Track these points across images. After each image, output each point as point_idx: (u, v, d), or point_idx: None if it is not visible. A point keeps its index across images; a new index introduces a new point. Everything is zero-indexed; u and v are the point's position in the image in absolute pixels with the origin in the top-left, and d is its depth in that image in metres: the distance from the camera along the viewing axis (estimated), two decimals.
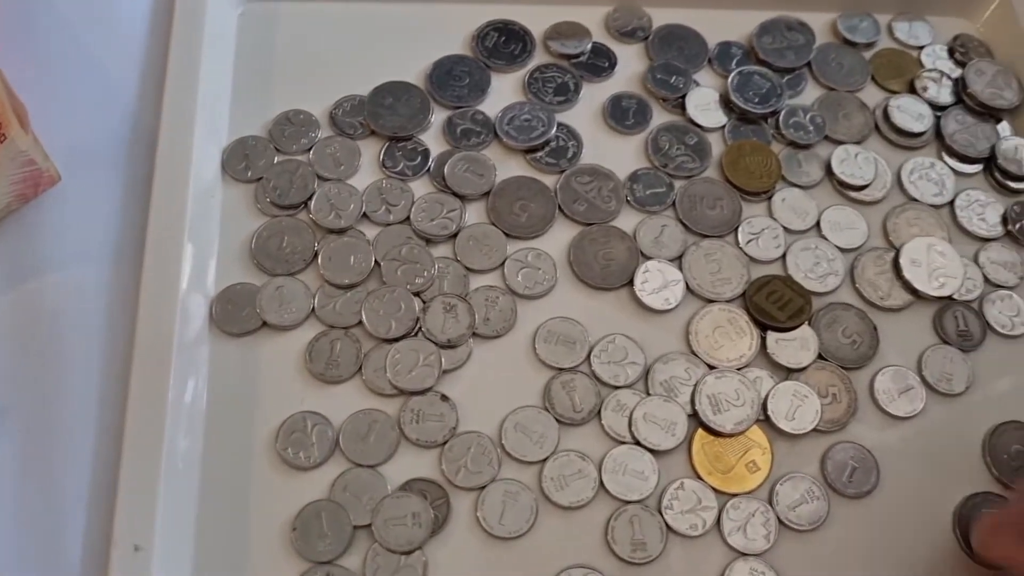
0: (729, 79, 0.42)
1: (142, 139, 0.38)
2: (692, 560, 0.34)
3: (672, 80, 0.42)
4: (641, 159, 0.41)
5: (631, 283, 0.38)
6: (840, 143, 0.42)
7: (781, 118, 0.42)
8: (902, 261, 0.39)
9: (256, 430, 0.34)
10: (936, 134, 0.43)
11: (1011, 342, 0.38)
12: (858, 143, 0.42)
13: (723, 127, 0.42)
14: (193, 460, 0.33)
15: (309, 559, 0.32)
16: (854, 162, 0.41)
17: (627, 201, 0.39)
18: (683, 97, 0.42)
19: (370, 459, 0.34)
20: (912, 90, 0.44)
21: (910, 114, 0.43)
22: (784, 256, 0.39)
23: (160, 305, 0.34)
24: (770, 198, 0.40)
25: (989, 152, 0.42)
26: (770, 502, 0.34)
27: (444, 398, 0.35)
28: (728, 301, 0.38)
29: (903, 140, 0.42)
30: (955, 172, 0.42)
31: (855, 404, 0.36)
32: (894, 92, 0.44)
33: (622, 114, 0.41)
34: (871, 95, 0.44)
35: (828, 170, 0.41)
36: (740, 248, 0.39)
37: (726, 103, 0.42)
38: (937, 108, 0.43)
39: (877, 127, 0.43)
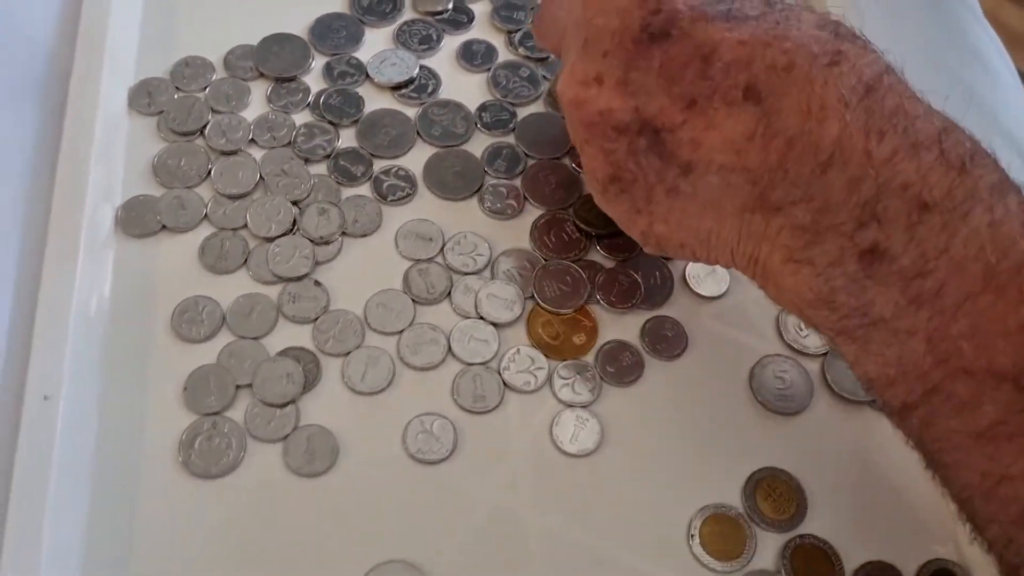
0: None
1: (56, 78, 0.44)
2: (526, 410, 0.40)
3: (515, 15, 0.50)
4: (488, 93, 0.48)
5: (479, 193, 0.45)
6: None
7: None
8: None
9: (156, 312, 0.40)
10: None
11: None
12: None
13: (548, 56, 0.49)
14: (98, 332, 0.39)
15: (198, 412, 0.38)
16: None
17: (476, 127, 0.46)
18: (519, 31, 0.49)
19: (252, 332, 0.40)
20: None
21: None
22: None
23: (69, 211, 0.40)
24: None
25: None
26: (594, 364, 0.41)
27: (317, 283, 0.41)
28: (563, 209, 0.45)
29: None
30: None
31: (671, 285, 0.43)
32: None
33: (472, 55, 0.49)
34: None
35: None
36: (572, 166, 0.46)
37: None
38: None
39: None
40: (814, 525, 0.38)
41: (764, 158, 0.30)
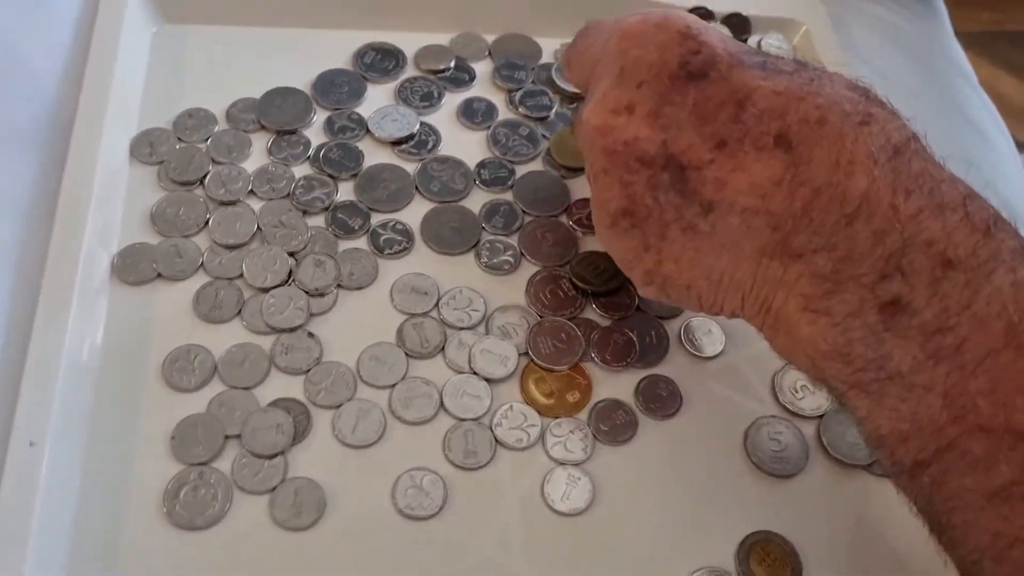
0: (553, 69, 0.51)
1: (60, 124, 0.44)
2: (517, 467, 0.39)
3: (515, 75, 0.51)
4: (487, 150, 0.49)
5: (476, 249, 0.45)
6: None
7: None
8: None
9: (147, 360, 0.40)
10: None
11: None
12: None
13: (546, 117, 0.50)
14: (88, 379, 0.39)
15: (185, 462, 0.38)
16: None
17: (475, 183, 0.47)
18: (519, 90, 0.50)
19: (244, 382, 0.40)
20: None
21: None
22: None
23: (66, 257, 0.40)
24: None
25: None
26: (587, 423, 0.41)
27: (311, 335, 0.41)
28: (559, 266, 0.45)
29: None
30: None
31: (667, 344, 0.43)
32: None
33: (472, 113, 0.49)
34: None
35: None
36: (570, 223, 0.46)
37: (553, 89, 0.51)
38: None
39: None
40: None
41: (789, 204, 0.30)
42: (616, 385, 0.42)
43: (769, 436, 0.41)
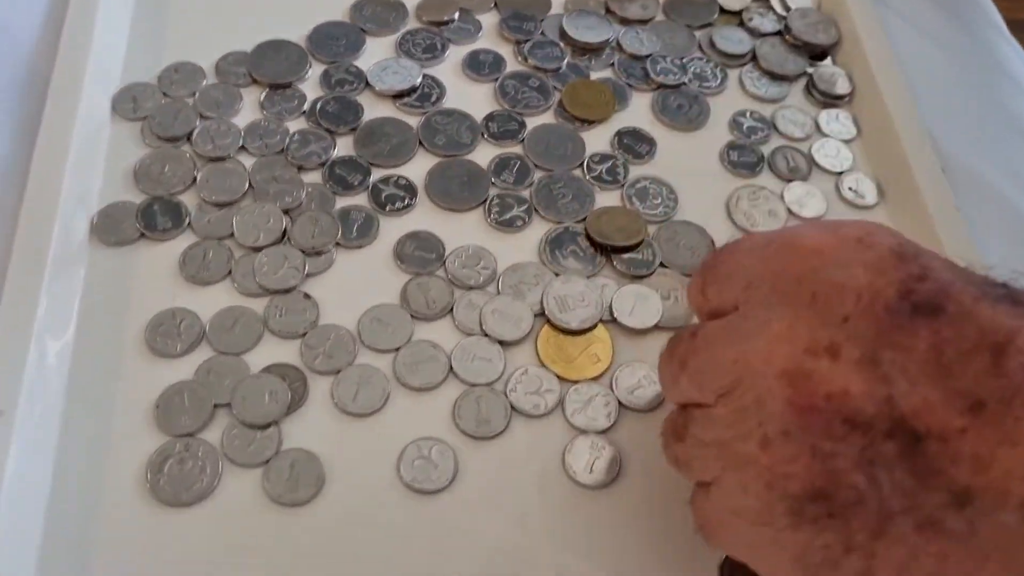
0: (563, 18, 0.48)
1: (36, 83, 0.41)
2: (535, 437, 0.36)
3: (524, 26, 0.47)
4: (495, 103, 0.45)
5: (485, 204, 0.41)
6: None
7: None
8: None
9: (129, 325, 0.37)
10: (752, 57, 0.49)
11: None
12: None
13: (558, 68, 0.47)
14: (63, 344, 0.36)
15: (169, 433, 0.34)
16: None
17: (483, 137, 0.43)
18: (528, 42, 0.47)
19: (234, 348, 0.36)
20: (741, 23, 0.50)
21: (731, 40, 0.49)
22: (623, 186, 0.43)
23: (40, 216, 0.37)
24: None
25: (796, 75, 0.48)
26: (610, 387, 0.37)
27: (307, 296, 0.38)
28: (577, 222, 0.41)
29: (726, 60, 0.49)
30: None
31: None
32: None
33: (479, 65, 0.46)
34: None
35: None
36: (588, 179, 0.43)
37: (563, 39, 0.48)
38: (758, 35, 0.49)
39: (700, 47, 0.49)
40: None
41: None
42: (640, 348, 0.38)
43: None
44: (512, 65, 0.46)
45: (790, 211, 0.43)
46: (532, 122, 0.44)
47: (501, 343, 0.37)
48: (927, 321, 0.23)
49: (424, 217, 0.41)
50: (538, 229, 0.41)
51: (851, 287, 0.25)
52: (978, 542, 0.23)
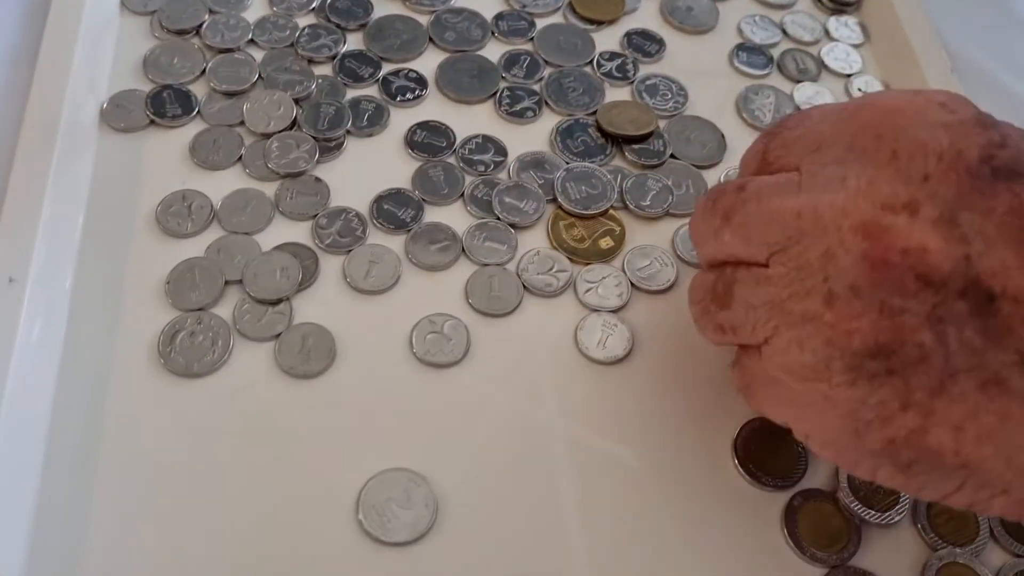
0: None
1: None
2: (548, 314, 0.36)
3: None
4: (504, 4, 0.45)
5: (495, 96, 0.41)
6: None
7: None
8: None
9: (140, 205, 0.37)
10: None
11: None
12: None
13: None
14: (74, 220, 0.35)
15: (181, 308, 0.34)
16: None
17: (493, 35, 0.43)
18: None
19: (245, 228, 0.36)
20: None
21: None
22: (633, 83, 0.43)
23: (48, 100, 0.37)
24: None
25: None
26: (622, 269, 0.37)
27: (318, 180, 0.38)
28: (588, 114, 0.41)
29: None
30: None
31: (705, 193, 0.39)
32: None
33: None
34: None
35: None
36: (599, 75, 0.43)
37: None
38: None
39: None
40: None
41: None
42: (652, 233, 0.38)
43: None
44: None
45: (800, 110, 0.43)
46: (541, 23, 0.44)
47: (513, 226, 0.37)
48: (1008, 185, 0.23)
49: (435, 108, 0.41)
50: (548, 121, 0.41)
51: (933, 147, 0.24)
52: None
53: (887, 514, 0.32)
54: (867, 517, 0.32)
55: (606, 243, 0.37)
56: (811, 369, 0.25)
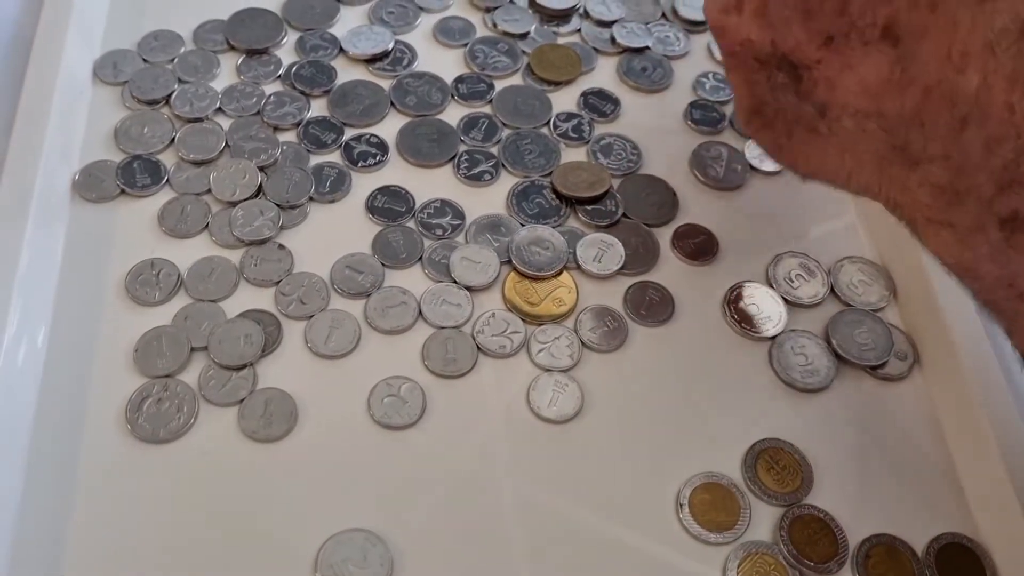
0: None
1: (19, 48, 0.43)
2: (501, 375, 0.37)
3: None
4: (465, 67, 0.47)
5: (454, 160, 0.43)
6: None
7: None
8: None
9: (109, 275, 0.38)
10: None
11: None
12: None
13: (526, 33, 0.48)
14: (45, 293, 0.37)
15: (148, 375, 0.36)
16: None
17: (453, 98, 0.45)
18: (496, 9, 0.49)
19: (211, 295, 0.38)
20: None
21: (694, 6, 0.50)
22: (588, 143, 0.45)
23: (23, 172, 0.38)
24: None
25: None
26: (574, 329, 0.38)
27: (281, 247, 0.39)
28: (543, 176, 0.43)
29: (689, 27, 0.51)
30: None
31: (656, 251, 0.41)
32: None
33: (449, 31, 0.48)
34: None
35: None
36: (554, 136, 0.44)
37: (532, 5, 0.49)
38: None
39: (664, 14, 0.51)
40: (818, 498, 0.35)
41: (900, 107, 0.27)
42: (604, 292, 0.40)
43: (794, 351, 0.38)
44: (481, 31, 0.48)
45: (751, 166, 0.44)
46: (500, 84, 0.46)
47: (469, 288, 0.39)
48: None
49: (396, 173, 0.42)
50: (506, 183, 0.42)
51: None
52: (837, 140, 0.30)
53: (825, 565, 0.34)
54: (806, 569, 0.33)
55: (558, 304, 0.39)
56: (741, 121, 0.35)
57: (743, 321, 0.39)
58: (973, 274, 0.27)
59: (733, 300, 0.40)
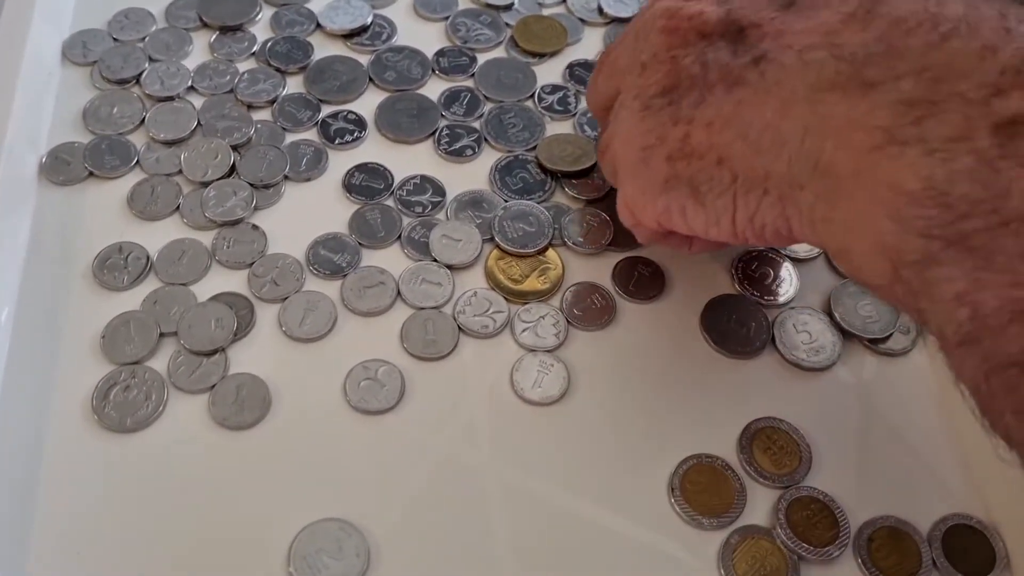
0: None
1: None
2: (484, 356, 0.36)
3: None
4: (446, 41, 0.45)
5: (434, 136, 0.41)
6: None
7: None
8: None
9: (76, 260, 0.37)
10: None
11: None
12: None
13: (510, 4, 0.47)
14: (11, 282, 0.36)
15: (115, 362, 0.34)
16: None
17: (434, 72, 0.43)
18: None
19: (181, 278, 0.36)
20: None
21: None
22: (575, 115, 0.43)
23: None
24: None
25: None
26: (560, 307, 0.37)
27: (255, 227, 0.38)
28: (527, 150, 0.41)
29: None
30: None
31: None
32: None
33: (430, 4, 0.46)
34: None
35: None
36: (539, 109, 0.43)
37: None
38: None
39: None
40: (817, 480, 0.33)
41: (861, 35, 0.26)
42: (591, 269, 0.38)
43: (796, 329, 0.37)
44: (464, 3, 0.46)
45: None
46: (483, 57, 0.44)
47: (449, 267, 0.37)
48: None
49: (374, 149, 0.41)
50: (488, 158, 0.41)
51: None
52: (764, 83, 0.28)
53: (825, 549, 0.32)
54: (804, 553, 0.32)
55: (543, 281, 0.37)
56: (626, 120, 0.32)
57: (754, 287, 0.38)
58: (943, 199, 0.23)
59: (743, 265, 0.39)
